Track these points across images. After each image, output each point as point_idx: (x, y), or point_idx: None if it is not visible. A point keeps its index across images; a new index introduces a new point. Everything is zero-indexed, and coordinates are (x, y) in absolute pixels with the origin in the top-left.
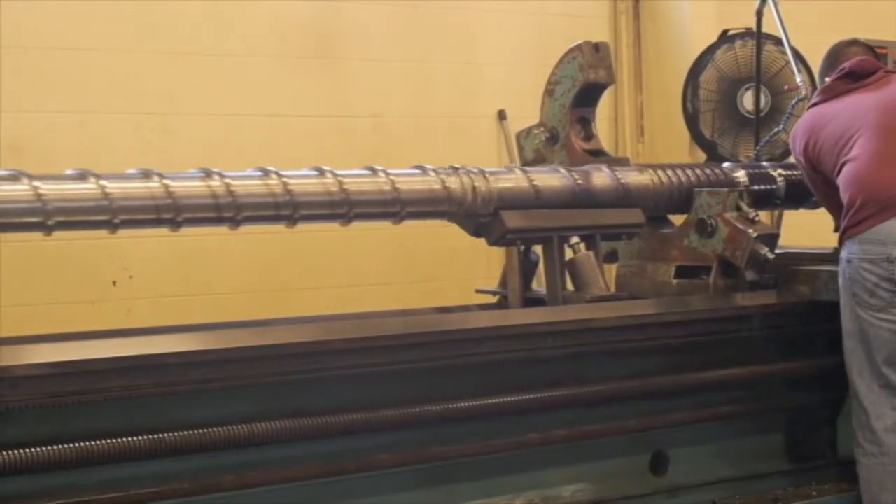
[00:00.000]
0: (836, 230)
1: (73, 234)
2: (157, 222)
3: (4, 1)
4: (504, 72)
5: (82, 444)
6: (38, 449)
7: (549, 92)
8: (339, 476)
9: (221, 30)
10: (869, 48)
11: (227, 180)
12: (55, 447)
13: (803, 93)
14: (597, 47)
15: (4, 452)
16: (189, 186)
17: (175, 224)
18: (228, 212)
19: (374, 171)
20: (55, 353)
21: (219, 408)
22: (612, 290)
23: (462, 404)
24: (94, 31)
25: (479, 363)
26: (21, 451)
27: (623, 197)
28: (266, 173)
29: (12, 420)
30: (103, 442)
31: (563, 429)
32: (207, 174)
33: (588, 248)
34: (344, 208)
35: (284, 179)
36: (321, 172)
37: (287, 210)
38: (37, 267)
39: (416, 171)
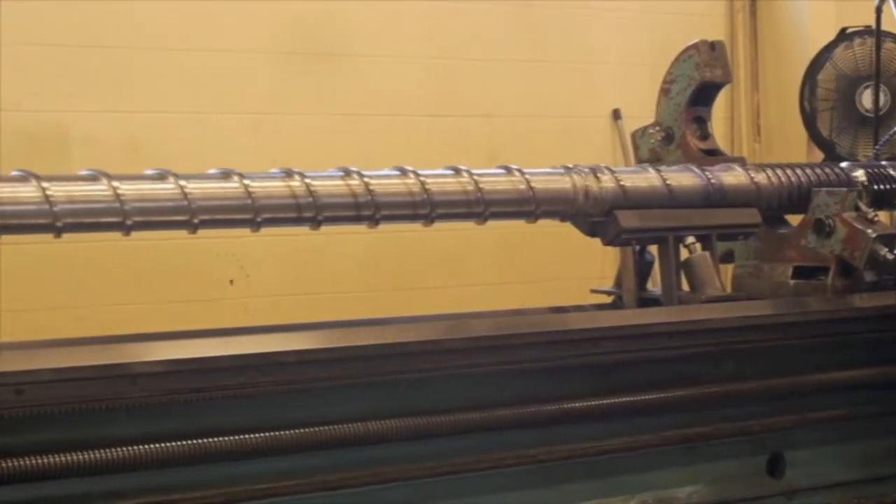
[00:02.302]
0: None
1: (190, 234)
2: (238, 223)
3: (129, 3)
4: (619, 71)
5: (200, 440)
6: (157, 445)
7: (664, 91)
8: (453, 475)
9: (336, 30)
10: None
11: (307, 180)
12: (174, 444)
13: None
14: (713, 46)
15: (125, 448)
16: (270, 187)
17: (255, 225)
18: (309, 212)
19: (457, 172)
20: (174, 351)
21: (336, 406)
22: (729, 290)
23: (577, 404)
24: (210, 31)
25: (594, 363)
26: (140, 447)
27: (739, 196)
28: (347, 173)
29: (132, 417)
30: (221, 439)
31: (679, 430)
32: (288, 174)
33: (704, 248)
34: (481, 207)
35: (366, 180)
36: (403, 172)
37: (368, 210)
38: (156, 266)
39: (502, 171)
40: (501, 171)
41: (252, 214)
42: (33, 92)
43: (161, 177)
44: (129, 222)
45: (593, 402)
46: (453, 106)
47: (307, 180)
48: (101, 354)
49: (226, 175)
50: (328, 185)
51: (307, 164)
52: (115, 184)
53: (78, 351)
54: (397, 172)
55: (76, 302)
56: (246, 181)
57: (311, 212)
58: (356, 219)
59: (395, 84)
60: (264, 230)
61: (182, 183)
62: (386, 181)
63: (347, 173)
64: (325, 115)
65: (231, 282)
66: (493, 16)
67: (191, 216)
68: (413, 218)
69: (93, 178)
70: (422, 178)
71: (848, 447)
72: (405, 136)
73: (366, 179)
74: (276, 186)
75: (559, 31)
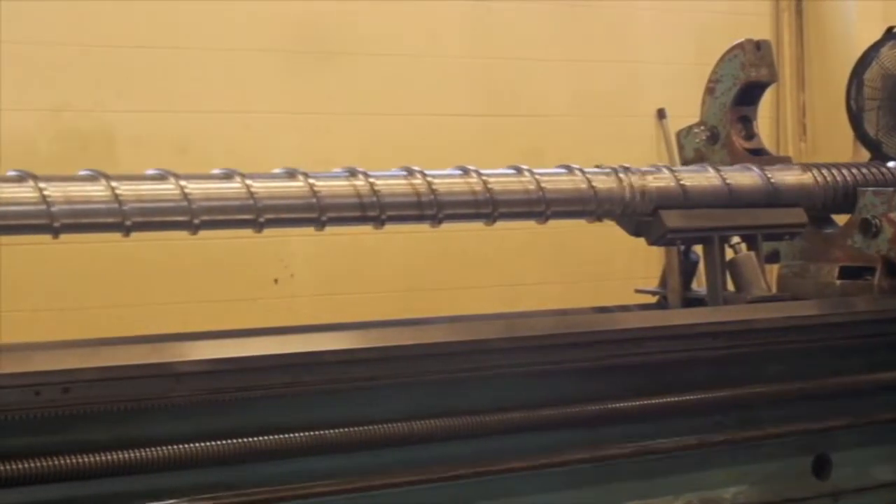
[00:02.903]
0: None
1: (234, 233)
2: (302, 221)
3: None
4: (663, 70)
5: (243, 440)
6: (200, 444)
7: (709, 90)
8: (497, 475)
9: (379, 31)
10: None
11: (371, 179)
12: (217, 443)
13: None
14: (758, 45)
15: (168, 447)
16: (334, 186)
17: (320, 223)
18: (373, 211)
19: (518, 171)
20: (218, 350)
21: (379, 405)
22: (774, 290)
23: (621, 405)
24: (258, 32)
25: (638, 363)
26: (183, 446)
27: (784, 196)
28: (410, 173)
29: (176, 416)
30: (264, 438)
31: (724, 430)
32: (352, 173)
33: (749, 248)
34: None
35: (429, 179)
36: (466, 172)
37: (431, 210)
38: (200, 265)
39: (562, 170)
40: (562, 170)
41: (317, 213)
42: (83, 91)
43: (227, 176)
44: (196, 221)
45: (638, 403)
46: (498, 106)
47: (371, 179)
48: (145, 354)
49: (291, 174)
50: (392, 184)
51: (355, 163)
52: (183, 183)
53: (123, 350)
54: (459, 172)
55: (121, 301)
56: (311, 180)
57: (374, 211)
58: (419, 218)
59: (440, 84)
60: (308, 229)
61: (248, 182)
62: (448, 180)
63: (410, 172)
64: (372, 115)
65: (275, 281)
66: (538, 15)
67: (256, 215)
68: (475, 217)
69: (161, 178)
70: (484, 178)
71: (895, 448)
72: (451, 135)
73: (429, 178)
74: (340, 185)
75: (604, 30)
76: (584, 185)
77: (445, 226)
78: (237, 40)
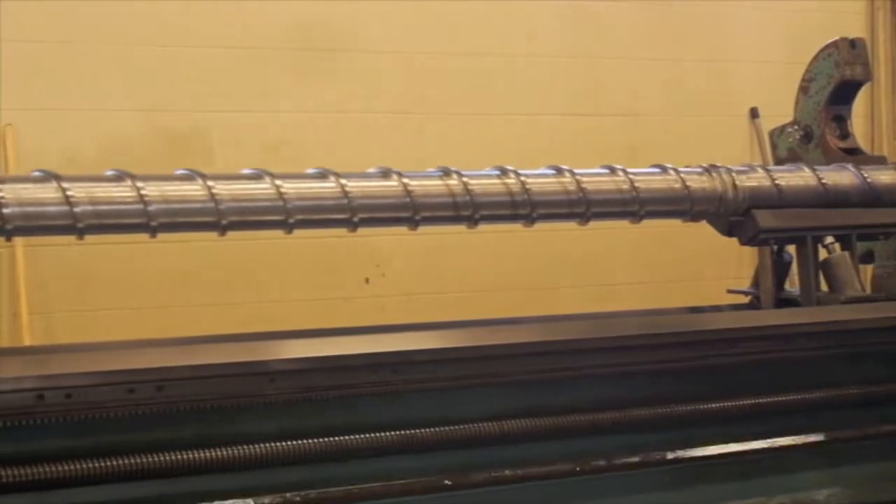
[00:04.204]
0: None
1: (326, 232)
2: (396, 221)
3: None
4: (756, 69)
5: (335, 438)
6: (292, 442)
7: (803, 89)
8: (588, 475)
9: (474, 31)
10: None
11: (464, 179)
12: (309, 441)
13: None
14: (853, 43)
15: (260, 445)
16: (428, 185)
17: (413, 223)
18: (466, 210)
19: (612, 171)
20: (310, 349)
21: (470, 405)
22: (868, 291)
23: (713, 405)
24: (348, 32)
25: (731, 364)
26: (275, 444)
27: (880, 196)
28: (504, 172)
29: (268, 414)
30: (355, 437)
31: (818, 431)
32: (445, 173)
33: (843, 248)
34: (636, 206)
35: (522, 178)
36: (559, 171)
37: (525, 209)
38: (293, 264)
39: (656, 170)
40: (655, 169)
41: (411, 213)
42: (180, 92)
43: (322, 176)
44: (291, 220)
45: (731, 404)
46: (593, 105)
47: (465, 178)
48: (238, 352)
49: (385, 174)
50: (485, 183)
51: (448, 162)
52: (279, 182)
53: (216, 348)
54: (552, 171)
55: (214, 300)
56: (405, 179)
57: (468, 210)
58: (512, 217)
59: (534, 83)
60: (399, 228)
61: (343, 181)
62: (542, 180)
63: (504, 172)
64: (465, 115)
65: (367, 280)
66: (632, 15)
67: (350, 214)
68: (568, 217)
69: (256, 177)
70: (577, 177)
71: None
72: (543, 135)
73: (522, 178)
74: (434, 185)
75: (697, 29)
76: (677, 185)
77: (536, 225)
78: (332, 42)
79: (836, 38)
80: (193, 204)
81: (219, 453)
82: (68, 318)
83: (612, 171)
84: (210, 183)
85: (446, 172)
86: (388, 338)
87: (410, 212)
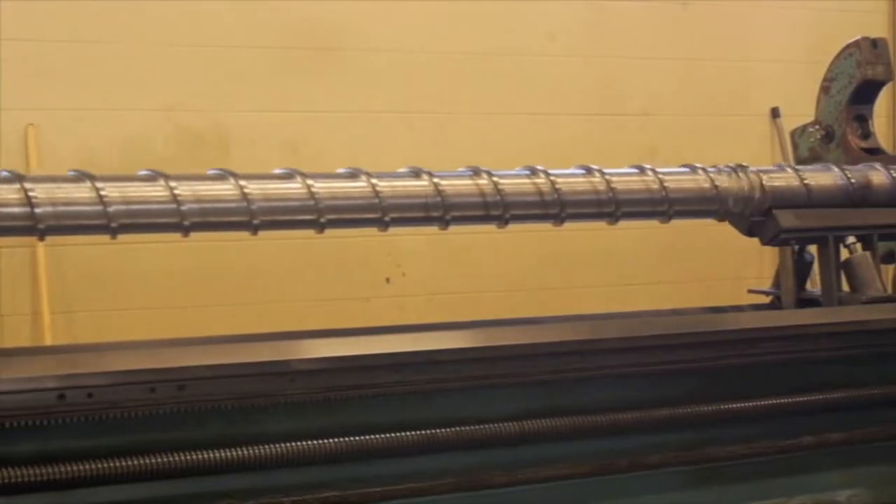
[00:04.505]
0: None
1: (347, 232)
2: (427, 220)
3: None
4: (777, 68)
5: (356, 437)
6: (313, 442)
7: (824, 89)
8: (607, 476)
9: (492, 30)
10: None
11: (495, 178)
12: (329, 441)
13: None
14: (875, 43)
15: (281, 445)
16: (458, 185)
17: (444, 222)
18: (496, 210)
19: (641, 170)
20: (330, 349)
21: (490, 405)
22: (890, 291)
23: (735, 405)
24: (373, 32)
25: (752, 364)
26: (296, 444)
27: None
28: (533, 172)
29: (289, 413)
30: (376, 436)
31: (838, 432)
32: (476, 172)
33: (864, 248)
34: (665, 205)
35: (552, 178)
36: (589, 171)
37: (554, 209)
38: (313, 264)
39: (686, 169)
40: (682, 169)
41: (441, 212)
42: (197, 92)
43: (352, 175)
44: (322, 220)
45: (752, 404)
46: (613, 105)
47: (495, 178)
48: (258, 352)
49: (415, 173)
50: (516, 182)
51: (472, 162)
52: (310, 182)
53: (237, 348)
54: (581, 171)
55: (235, 299)
56: (435, 179)
57: (498, 210)
58: (542, 217)
59: (555, 83)
60: (420, 228)
61: (373, 181)
62: (571, 179)
63: (534, 171)
64: (488, 114)
65: (387, 280)
66: (651, 14)
67: (382, 214)
68: (598, 216)
69: (289, 177)
70: (607, 177)
71: None
72: (564, 134)
73: (552, 178)
74: (464, 184)
75: (717, 28)
76: (706, 185)
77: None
78: (351, 41)
79: (858, 37)
80: (226, 203)
81: (239, 453)
82: (90, 317)
83: (642, 170)
84: (242, 182)
85: (476, 172)
86: (409, 338)
87: (441, 211)
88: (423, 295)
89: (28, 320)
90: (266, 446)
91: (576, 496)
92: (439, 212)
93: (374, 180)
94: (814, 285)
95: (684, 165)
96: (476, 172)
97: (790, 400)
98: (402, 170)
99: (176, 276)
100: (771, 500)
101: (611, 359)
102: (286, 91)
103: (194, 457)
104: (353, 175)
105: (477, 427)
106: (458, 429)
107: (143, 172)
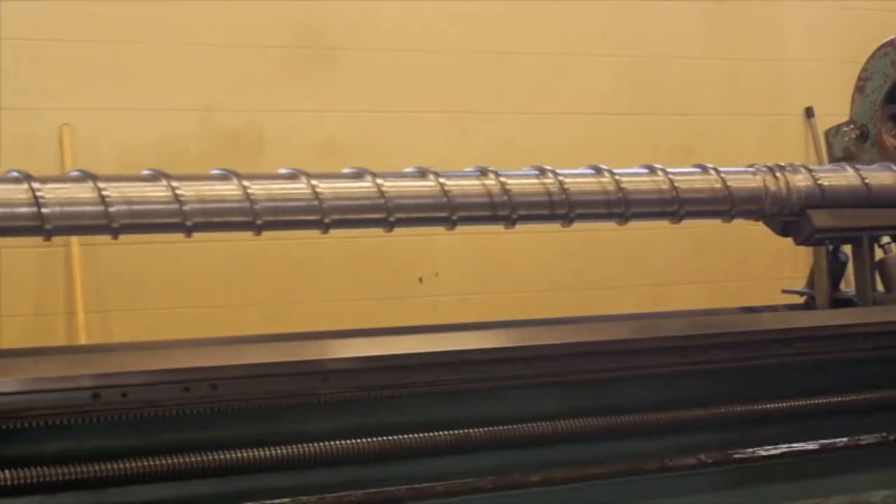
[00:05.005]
0: None
1: (379, 232)
2: (432, 221)
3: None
4: (812, 68)
5: (389, 437)
6: (346, 442)
7: (859, 88)
8: (641, 475)
9: (526, 30)
10: None
11: (502, 178)
12: (363, 440)
13: None
14: None
15: (314, 444)
16: (464, 185)
17: (450, 223)
18: (503, 210)
19: (651, 170)
20: (364, 348)
21: (523, 405)
22: None
23: (769, 406)
24: (409, 31)
25: (786, 364)
26: (329, 443)
27: None
28: (542, 172)
29: (322, 413)
30: (410, 436)
31: (874, 432)
32: (483, 172)
33: None
34: (675, 206)
35: (560, 178)
36: (598, 171)
37: (562, 209)
38: (346, 264)
39: (701, 170)
40: (696, 169)
41: (447, 213)
42: (233, 92)
43: (358, 175)
44: (326, 220)
45: (786, 404)
46: (648, 104)
47: (502, 178)
48: (292, 351)
49: (422, 173)
50: (523, 183)
51: (500, 162)
52: (314, 182)
53: (270, 347)
54: (591, 171)
55: (269, 299)
56: (442, 179)
57: (505, 210)
58: (550, 217)
59: (590, 83)
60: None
61: (379, 181)
62: (580, 180)
63: (542, 172)
64: (519, 114)
65: (420, 279)
66: (687, 14)
67: (387, 214)
68: (607, 217)
69: (292, 177)
70: (616, 177)
71: None
72: (601, 134)
73: (560, 178)
74: (471, 185)
75: (752, 27)
76: (717, 185)
77: (589, 225)
78: (385, 41)
79: (893, 36)
80: (228, 203)
81: (272, 452)
82: (124, 317)
83: (652, 171)
84: (245, 183)
85: (483, 172)
86: (442, 337)
87: (447, 212)
88: (455, 295)
89: (63, 320)
90: (299, 445)
91: (609, 497)
92: (445, 212)
93: (379, 180)
94: (848, 285)
95: (697, 165)
96: (483, 172)
97: (825, 400)
98: (408, 170)
99: (209, 275)
100: (807, 500)
101: (643, 359)
102: (322, 91)
103: (227, 456)
104: (358, 175)
105: (509, 427)
106: (490, 429)
107: (146, 172)
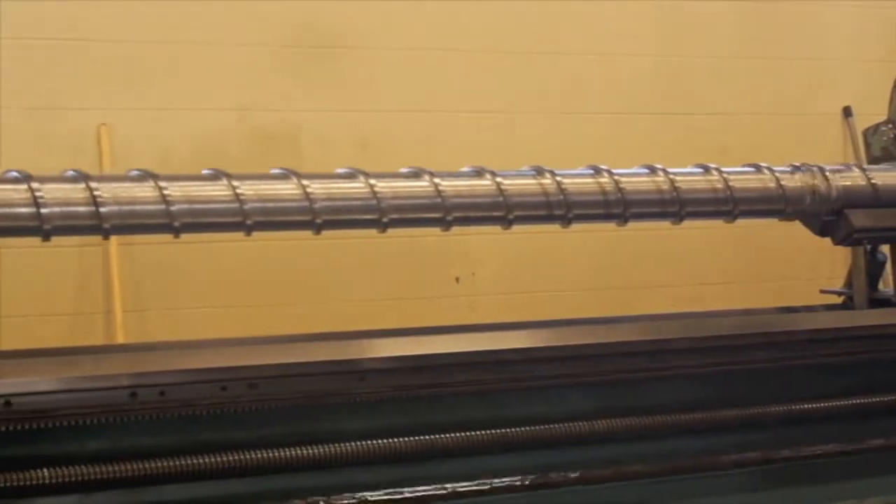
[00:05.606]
0: None
1: (416, 232)
2: (489, 220)
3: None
4: (850, 67)
5: (426, 437)
6: (382, 441)
7: None
8: (677, 476)
9: (561, 30)
10: None
11: (558, 178)
12: (399, 440)
13: None
14: None
15: (351, 443)
16: (521, 184)
17: (507, 222)
18: (560, 210)
19: (706, 169)
20: (401, 347)
21: (560, 404)
22: None
23: (807, 406)
24: (439, 31)
25: (824, 364)
26: (365, 442)
27: None
28: (597, 171)
29: (359, 412)
30: (447, 435)
31: None
32: (539, 172)
33: None
34: (729, 205)
35: (616, 177)
36: (653, 171)
37: (618, 208)
38: (383, 263)
39: (755, 169)
40: (749, 168)
41: (504, 212)
42: (270, 91)
43: (416, 175)
44: (385, 219)
45: (822, 404)
46: (684, 103)
47: (558, 178)
48: (329, 351)
49: (478, 173)
50: (579, 182)
51: (539, 162)
52: (373, 181)
53: (307, 347)
54: (646, 170)
55: (306, 298)
56: (498, 179)
57: (561, 210)
58: (606, 217)
59: (628, 82)
60: (489, 227)
61: (436, 181)
62: (636, 179)
63: (597, 171)
64: (558, 113)
65: (457, 279)
66: (724, 13)
67: (444, 213)
68: (661, 216)
69: (350, 176)
70: (671, 176)
71: None
72: (637, 134)
73: (616, 177)
74: (527, 184)
75: (789, 27)
76: (771, 184)
77: (629, 225)
78: (419, 40)
79: None
80: (288, 203)
81: (309, 451)
82: (162, 316)
83: (706, 170)
84: (305, 182)
85: (539, 171)
86: (479, 337)
87: (504, 211)
88: (492, 294)
89: (100, 319)
90: (336, 445)
91: (646, 496)
92: (502, 211)
93: (436, 179)
94: (886, 285)
95: (748, 165)
96: (539, 172)
97: (862, 401)
98: (464, 169)
99: (246, 275)
100: (844, 501)
101: (682, 359)
102: (358, 90)
103: (264, 455)
104: (416, 174)
105: (546, 426)
106: (527, 428)
107: (206, 172)
